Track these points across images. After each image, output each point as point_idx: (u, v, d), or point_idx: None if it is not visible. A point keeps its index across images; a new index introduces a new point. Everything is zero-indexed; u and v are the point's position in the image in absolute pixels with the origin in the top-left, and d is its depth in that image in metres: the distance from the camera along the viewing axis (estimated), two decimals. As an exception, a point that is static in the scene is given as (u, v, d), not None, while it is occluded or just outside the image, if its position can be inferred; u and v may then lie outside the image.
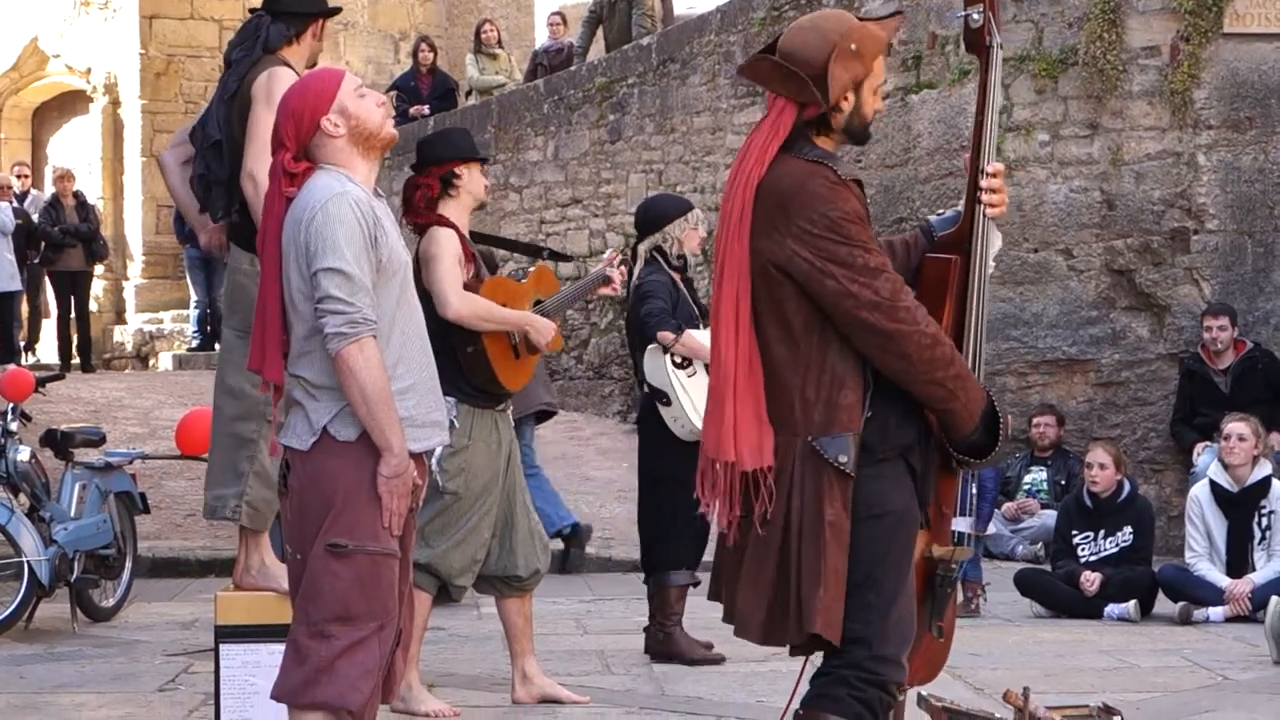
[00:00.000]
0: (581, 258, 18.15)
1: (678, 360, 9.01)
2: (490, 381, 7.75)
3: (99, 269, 22.67)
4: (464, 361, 7.68)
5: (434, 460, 7.49)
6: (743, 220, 4.98)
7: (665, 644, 9.16)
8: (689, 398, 8.91)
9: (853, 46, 4.99)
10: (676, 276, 9.25)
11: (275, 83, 7.00)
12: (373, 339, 5.17)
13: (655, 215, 9.34)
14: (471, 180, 7.85)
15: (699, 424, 8.78)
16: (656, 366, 9.08)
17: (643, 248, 9.29)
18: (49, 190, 23.00)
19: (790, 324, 4.97)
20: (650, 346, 9.08)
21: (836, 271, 4.88)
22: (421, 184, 7.84)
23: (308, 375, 5.28)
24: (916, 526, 5.13)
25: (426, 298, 7.70)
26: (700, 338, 8.97)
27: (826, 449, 4.92)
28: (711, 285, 5.15)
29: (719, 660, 9.10)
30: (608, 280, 8.49)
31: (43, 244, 20.95)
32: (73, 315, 21.46)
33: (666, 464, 9.09)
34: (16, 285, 20.07)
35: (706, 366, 8.89)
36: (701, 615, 9.43)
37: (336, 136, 5.34)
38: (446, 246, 7.67)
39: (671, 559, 9.17)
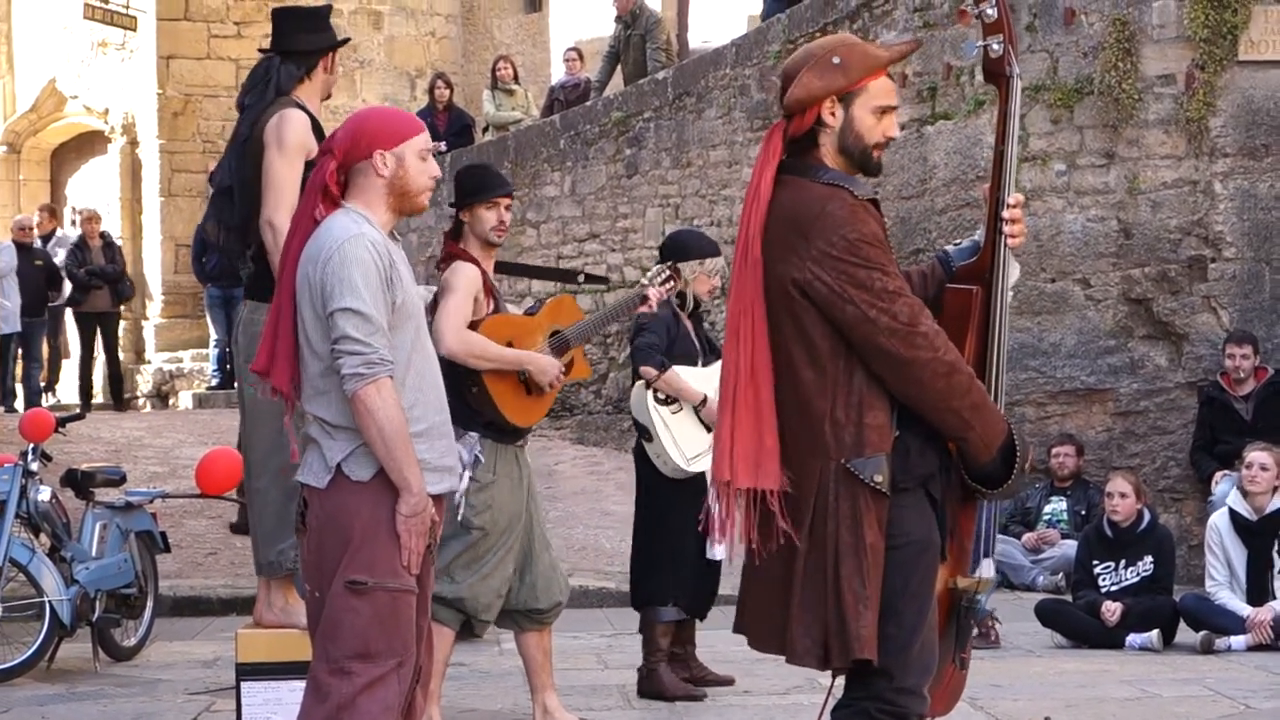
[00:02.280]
0: (599, 293, 18.16)
1: (661, 397, 8.96)
2: (499, 419, 7.73)
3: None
4: (471, 401, 7.67)
5: (461, 496, 7.51)
6: (750, 248, 4.99)
7: (649, 681, 9.09)
8: (670, 435, 8.88)
9: (835, 60, 5.00)
10: (682, 312, 9.19)
11: (285, 125, 7.03)
12: (390, 380, 5.18)
13: (676, 248, 9.27)
14: (475, 221, 7.83)
15: (681, 463, 8.83)
16: (639, 402, 9.06)
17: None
18: (70, 231, 23.12)
19: (816, 347, 4.97)
20: (638, 381, 9.07)
21: (855, 295, 4.89)
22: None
23: (325, 415, 5.29)
24: (937, 556, 5.12)
25: None
26: (686, 377, 8.95)
27: (861, 470, 4.92)
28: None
29: (700, 697, 9.01)
30: (644, 299, 8.40)
31: (65, 284, 21.11)
32: (98, 356, 21.60)
33: (654, 499, 9.10)
34: (13, 327, 20.17)
35: (695, 409, 8.90)
36: (722, 649, 9.44)
37: (380, 175, 5.35)
38: (464, 280, 7.68)
39: (658, 595, 9.12)
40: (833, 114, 5.04)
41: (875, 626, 4.89)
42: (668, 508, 9.02)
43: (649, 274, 8.59)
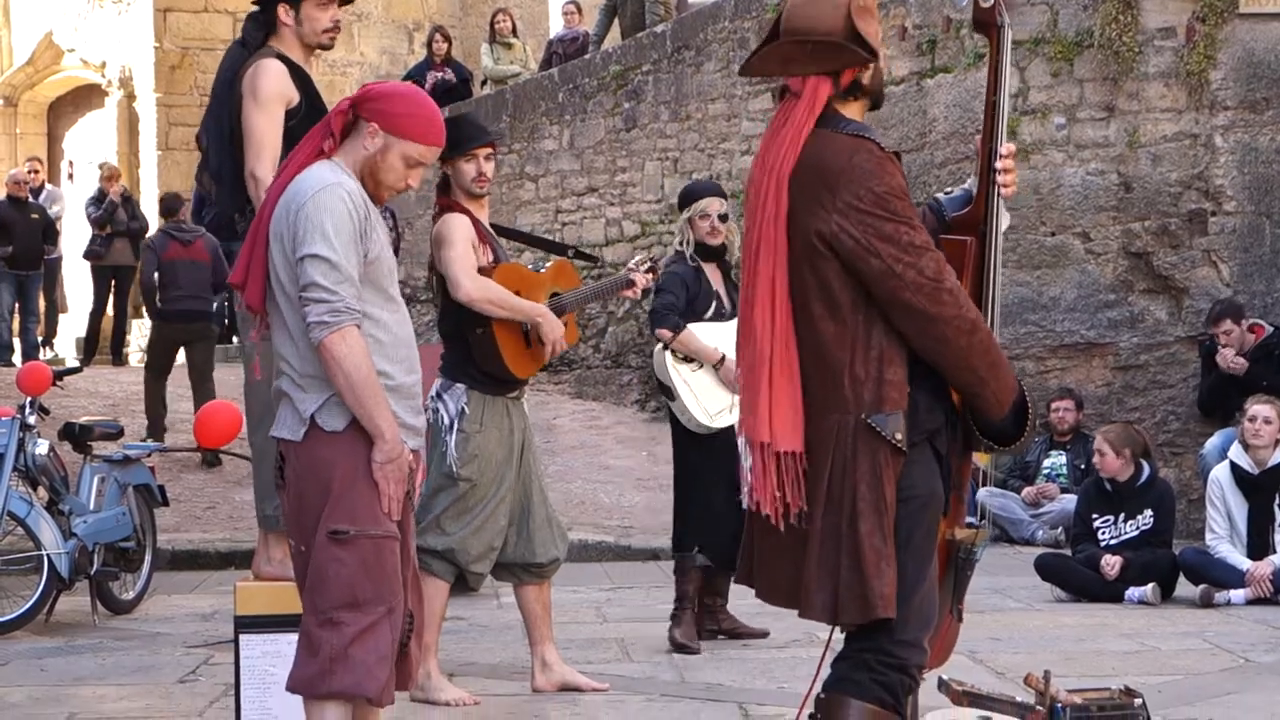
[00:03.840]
0: (599, 246, 18.12)
1: (680, 355, 9.07)
2: (497, 367, 7.72)
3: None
4: (472, 343, 7.68)
5: (450, 448, 7.57)
6: (779, 203, 4.94)
7: (672, 621, 9.20)
8: (691, 393, 9.00)
9: (862, 1, 4.98)
10: (707, 266, 9.22)
11: (260, 75, 6.98)
12: (356, 328, 5.16)
13: (681, 201, 9.47)
14: (455, 174, 7.79)
15: (701, 418, 8.94)
16: (660, 361, 9.22)
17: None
18: (66, 185, 23.04)
19: (837, 301, 4.92)
20: (658, 341, 9.19)
21: (881, 249, 4.84)
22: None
23: (293, 361, 5.28)
24: (940, 511, 5.10)
25: (442, 282, 7.73)
26: (701, 335, 9.01)
27: (883, 426, 4.88)
28: (741, 270, 5.12)
29: (694, 652, 9.02)
30: (630, 284, 8.48)
31: (60, 238, 21.08)
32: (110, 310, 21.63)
33: (686, 452, 9.23)
34: None
35: (714, 367, 8.98)
36: (753, 603, 9.44)
37: (364, 146, 5.32)
38: (457, 230, 7.69)
39: (684, 541, 9.24)
40: None
41: (895, 584, 4.87)
42: (697, 460, 9.19)
43: (633, 261, 8.68)
